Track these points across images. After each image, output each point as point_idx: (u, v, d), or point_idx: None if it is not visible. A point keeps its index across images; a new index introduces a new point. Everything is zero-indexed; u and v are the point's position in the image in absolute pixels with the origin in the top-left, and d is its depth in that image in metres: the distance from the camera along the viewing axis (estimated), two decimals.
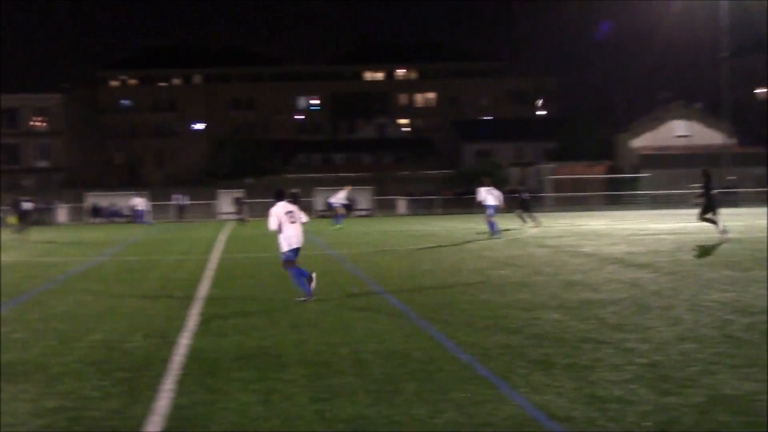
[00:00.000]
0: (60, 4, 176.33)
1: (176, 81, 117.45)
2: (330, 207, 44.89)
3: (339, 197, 36.96)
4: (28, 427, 6.43)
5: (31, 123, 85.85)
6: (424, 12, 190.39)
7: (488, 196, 27.45)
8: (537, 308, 11.36)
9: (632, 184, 62.99)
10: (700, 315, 10.47)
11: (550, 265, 17.23)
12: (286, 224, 12.78)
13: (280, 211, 12.84)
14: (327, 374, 7.77)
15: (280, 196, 13.21)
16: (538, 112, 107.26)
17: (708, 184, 22.56)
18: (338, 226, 34.44)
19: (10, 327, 10.83)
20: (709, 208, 22.26)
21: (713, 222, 22.39)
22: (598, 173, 65.45)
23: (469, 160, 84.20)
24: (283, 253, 12.92)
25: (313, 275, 12.77)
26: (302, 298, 12.50)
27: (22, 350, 9.25)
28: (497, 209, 27.41)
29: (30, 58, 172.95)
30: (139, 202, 51.34)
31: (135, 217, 50.85)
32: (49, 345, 9.54)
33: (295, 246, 12.86)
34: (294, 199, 40.97)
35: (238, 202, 49.70)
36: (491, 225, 26.88)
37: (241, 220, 44.96)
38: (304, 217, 13.28)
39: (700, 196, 22.81)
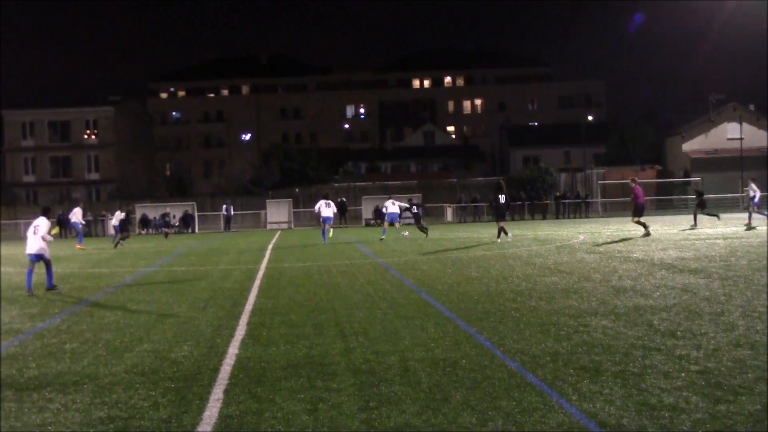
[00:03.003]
0: (112, 18, 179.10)
1: (224, 92, 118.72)
2: (380, 215, 44.67)
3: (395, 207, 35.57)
4: None
5: (83, 136, 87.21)
6: (470, 19, 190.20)
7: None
8: (586, 315, 11.23)
9: (683, 188, 62.19)
10: (753, 321, 10.27)
11: (599, 271, 17.04)
12: None
13: None
14: (374, 383, 7.75)
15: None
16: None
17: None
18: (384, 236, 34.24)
19: (61, 338, 10.98)
20: None
21: None
22: (648, 177, 64.73)
23: (517, 166, 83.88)
24: None
25: None
26: None
27: (72, 361, 9.36)
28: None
29: (82, 72, 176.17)
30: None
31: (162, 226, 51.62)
32: (98, 355, 9.65)
33: None
34: (341, 207, 40.71)
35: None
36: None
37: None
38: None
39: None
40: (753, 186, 33.88)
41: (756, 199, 33.26)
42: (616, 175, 64.57)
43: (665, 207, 60.64)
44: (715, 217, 35.28)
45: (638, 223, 28.92)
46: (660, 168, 69.56)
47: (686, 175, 64.68)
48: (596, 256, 20.99)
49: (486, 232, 37.31)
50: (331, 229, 34.74)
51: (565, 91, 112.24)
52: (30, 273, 16.98)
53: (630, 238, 27.40)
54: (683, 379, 7.42)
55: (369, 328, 10.84)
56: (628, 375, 7.67)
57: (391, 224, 35.31)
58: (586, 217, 55.86)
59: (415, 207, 36.42)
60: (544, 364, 8.28)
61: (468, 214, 58.70)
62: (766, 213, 33.47)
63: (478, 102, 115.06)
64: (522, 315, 11.45)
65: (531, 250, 23.92)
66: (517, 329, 10.30)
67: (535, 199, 59.46)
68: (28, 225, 19.53)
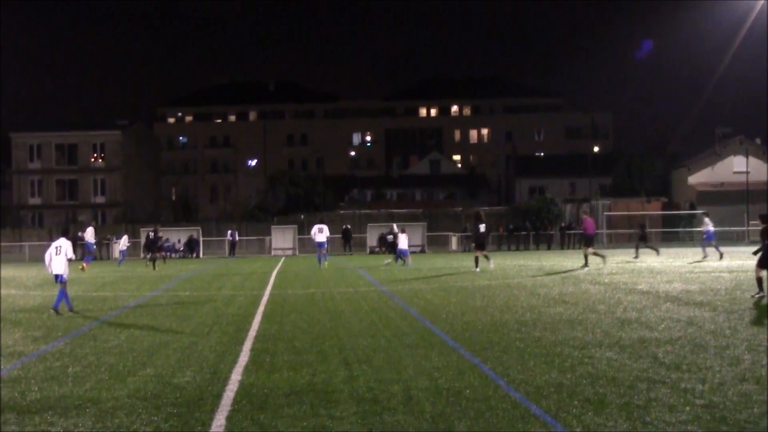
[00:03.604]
0: (120, 43, 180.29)
1: (232, 117, 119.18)
2: (385, 242, 44.74)
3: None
4: None
5: (90, 159, 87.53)
6: (478, 48, 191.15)
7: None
8: (591, 346, 11.19)
9: (689, 220, 62.09)
10: (759, 355, 10.22)
11: (604, 302, 17.00)
12: None
13: None
14: (378, 411, 7.72)
15: None
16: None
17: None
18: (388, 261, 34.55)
19: (64, 361, 10.96)
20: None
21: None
22: (653, 210, 64.65)
23: (523, 196, 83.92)
24: None
25: None
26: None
27: (75, 384, 9.33)
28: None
29: (90, 96, 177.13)
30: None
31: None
32: (101, 379, 9.62)
33: None
34: (346, 234, 41.21)
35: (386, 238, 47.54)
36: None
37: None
38: None
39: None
40: (707, 221, 35.22)
41: (710, 234, 34.70)
42: (621, 207, 64.50)
43: (671, 239, 60.48)
44: (654, 252, 37.30)
45: (588, 253, 30.12)
46: (666, 200, 69.47)
47: (692, 207, 64.54)
48: (601, 287, 20.94)
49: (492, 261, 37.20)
50: (326, 256, 35.08)
51: (572, 122, 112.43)
52: (63, 293, 17.27)
53: (637, 270, 27.34)
54: (688, 413, 7.37)
55: (373, 356, 10.80)
56: (632, 408, 7.62)
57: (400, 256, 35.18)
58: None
59: (392, 236, 36.92)
60: (549, 395, 8.24)
61: (472, 243, 58.56)
62: (719, 248, 34.15)
63: (484, 131, 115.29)
64: (526, 345, 11.40)
65: (536, 281, 23.88)
66: (522, 360, 10.26)
67: (540, 229, 59.37)
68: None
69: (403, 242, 34.65)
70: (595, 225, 31.75)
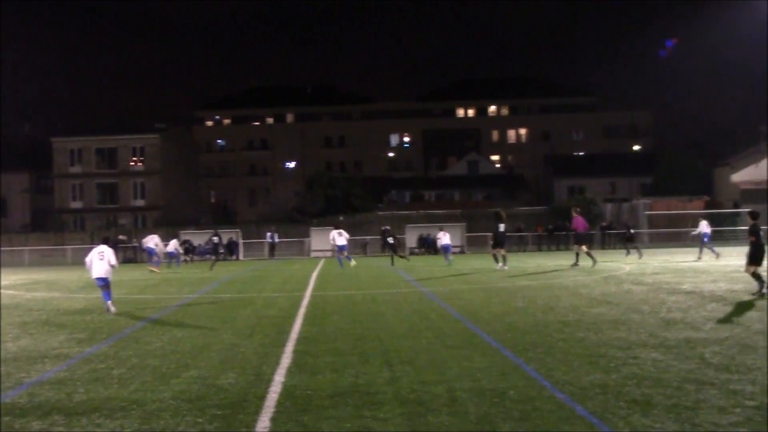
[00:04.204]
0: (159, 47, 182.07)
1: (269, 120, 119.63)
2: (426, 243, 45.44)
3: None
4: None
5: (129, 163, 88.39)
6: (515, 48, 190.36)
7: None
8: (635, 347, 11.06)
9: (733, 219, 61.26)
10: None
11: (647, 302, 16.81)
12: None
13: None
14: (422, 413, 7.68)
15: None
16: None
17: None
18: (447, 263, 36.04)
19: (109, 363, 11.05)
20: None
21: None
22: (696, 208, 63.89)
23: (562, 196, 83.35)
24: None
25: None
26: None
27: (120, 386, 9.41)
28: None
29: (129, 101, 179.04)
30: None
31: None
32: (145, 381, 9.69)
33: None
34: (384, 236, 42.39)
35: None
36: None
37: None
38: None
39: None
40: (704, 224, 36.20)
41: (707, 236, 35.66)
42: (662, 206, 63.82)
43: (715, 238, 59.63)
44: (637, 253, 38.06)
45: (581, 251, 31.16)
46: (708, 199, 68.58)
47: (736, 206, 63.65)
48: (644, 287, 20.72)
49: (531, 261, 37.08)
50: (350, 257, 37.35)
51: (610, 121, 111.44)
52: (106, 294, 18.12)
53: (680, 270, 27.04)
54: (739, 415, 7.25)
55: (415, 357, 10.77)
56: (681, 409, 7.52)
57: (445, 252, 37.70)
58: (633, 248, 55.16)
59: (391, 238, 37.96)
60: (594, 396, 8.15)
61: (512, 244, 58.29)
62: (715, 250, 35.21)
63: (522, 131, 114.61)
64: (570, 346, 11.30)
65: (577, 281, 23.70)
66: (566, 360, 10.16)
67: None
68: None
69: (446, 239, 37.29)
70: (586, 223, 32.78)
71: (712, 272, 25.40)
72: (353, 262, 36.30)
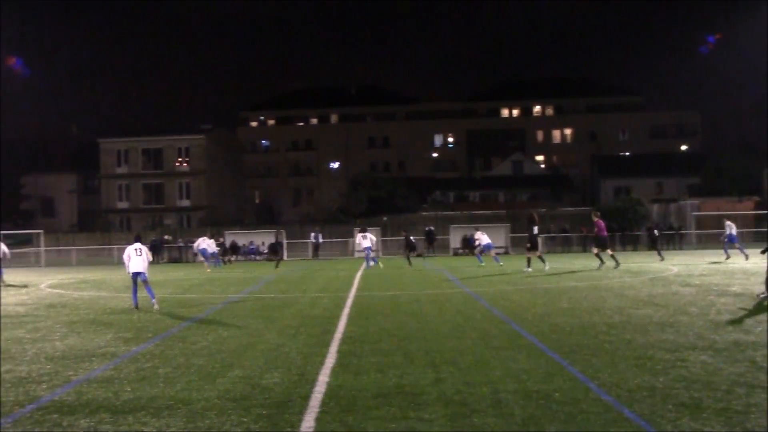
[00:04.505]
0: (204, 49, 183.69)
1: (313, 121, 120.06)
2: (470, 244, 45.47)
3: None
4: None
5: (175, 163, 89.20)
6: (560, 48, 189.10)
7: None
8: (683, 349, 10.90)
9: None
10: None
11: (695, 304, 16.57)
12: None
13: None
14: (467, 414, 7.63)
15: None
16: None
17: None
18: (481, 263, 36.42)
19: (155, 362, 11.14)
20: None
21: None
22: (745, 209, 62.88)
23: (608, 197, 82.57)
24: None
25: None
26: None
27: (166, 385, 9.47)
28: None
29: (175, 102, 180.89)
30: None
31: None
32: (191, 380, 9.75)
33: None
34: (429, 235, 42.88)
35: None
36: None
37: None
38: None
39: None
40: (729, 224, 36.29)
41: (734, 238, 35.61)
42: (711, 207, 62.91)
43: (764, 239, 58.79)
44: (658, 257, 37.30)
45: (597, 255, 31.15)
46: (758, 199, 67.45)
47: None
48: (692, 289, 20.44)
49: (577, 263, 36.77)
50: (379, 260, 39.18)
51: (657, 121, 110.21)
52: (135, 291, 19.24)
53: (729, 271, 26.62)
54: None
55: (459, 358, 10.71)
56: (731, 413, 7.38)
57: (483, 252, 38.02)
58: (680, 249, 54.49)
59: (411, 238, 40.37)
60: (641, 399, 8.05)
61: (557, 245, 57.91)
62: (743, 249, 34.82)
63: (567, 131, 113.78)
64: (616, 348, 11.17)
65: (623, 282, 23.44)
66: (612, 362, 10.04)
67: (627, 230, 58.29)
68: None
69: (485, 239, 37.73)
70: (606, 227, 32.53)
71: (762, 274, 24.94)
72: (381, 264, 37.63)
